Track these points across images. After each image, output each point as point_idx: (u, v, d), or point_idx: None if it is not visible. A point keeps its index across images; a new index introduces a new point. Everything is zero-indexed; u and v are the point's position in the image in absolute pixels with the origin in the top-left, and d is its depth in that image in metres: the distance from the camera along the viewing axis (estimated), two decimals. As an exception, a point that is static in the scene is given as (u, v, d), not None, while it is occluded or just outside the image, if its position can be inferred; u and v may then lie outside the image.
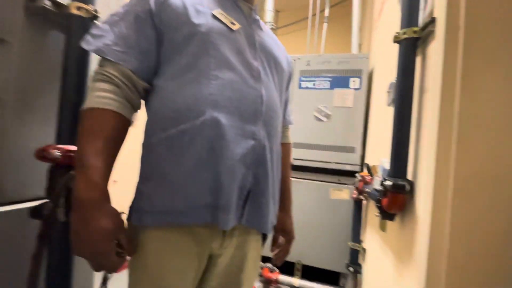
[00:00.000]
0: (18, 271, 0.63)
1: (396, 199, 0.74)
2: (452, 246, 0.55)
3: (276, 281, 1.68)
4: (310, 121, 1.76)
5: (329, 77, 1.70)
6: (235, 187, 0.55)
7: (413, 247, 0.70)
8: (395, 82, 0.79)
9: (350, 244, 1.47)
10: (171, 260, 0.55)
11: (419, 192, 0.70)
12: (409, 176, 0.75)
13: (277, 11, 3.19)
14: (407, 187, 0.71)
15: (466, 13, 0.56)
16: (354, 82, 1.64)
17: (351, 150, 1.69)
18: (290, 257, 1.79)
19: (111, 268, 0.48)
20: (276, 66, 0.67)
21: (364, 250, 1.43)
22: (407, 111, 0.74)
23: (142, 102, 0.59)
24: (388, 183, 0.73)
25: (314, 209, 1.75)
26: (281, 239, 0.84)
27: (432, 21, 0.66)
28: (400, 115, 0.76)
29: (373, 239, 1.25)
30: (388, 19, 1.27)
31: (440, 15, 0.63)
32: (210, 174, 0.53)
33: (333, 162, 1.72)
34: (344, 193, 1.67)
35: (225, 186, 0.53)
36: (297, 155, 1.82)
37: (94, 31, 0.53)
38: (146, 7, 0.54)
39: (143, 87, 0.57)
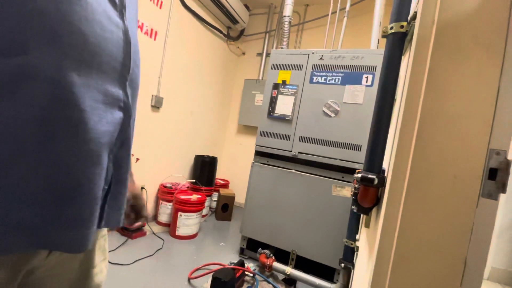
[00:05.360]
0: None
1: (365, 193, 0.75)
2: (399, 241, 0.56)
3: (271, 267, 1.73)
4: (319, 117, 1.75)
5: (341, 72, 1.66)
6: (101, 184, 0.37)
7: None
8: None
9: (344, 240, 1.46)
10: None
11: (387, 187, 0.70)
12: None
13: (306, 5, 3.15)
14: (376, 181, 0.71)
15: (441, 7, 0.55)
16: (366, 79, 1.59)
17: (357, 148, 1.65)
18: (286, 246, 1.83)
19: None
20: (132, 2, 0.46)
21: (357, 248, 1.41)
22: (385, 105, 0.74)
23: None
24: (358, 175, 0.74)
25: (315, 204, 1.76)
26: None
27: (415, 15, 0.65)
28: (379, 109, 0.75)
29: (362, 237, 1.24)
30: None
31: (420, 8, 0.61)
32: (46, 168, 0.31)
33: (338, 159, 1.70)
34: (345, 191, 1.65)
35: (85, 185, 0.34)
36: (304, 149, 1.83)
37: None
38: None
39: None
